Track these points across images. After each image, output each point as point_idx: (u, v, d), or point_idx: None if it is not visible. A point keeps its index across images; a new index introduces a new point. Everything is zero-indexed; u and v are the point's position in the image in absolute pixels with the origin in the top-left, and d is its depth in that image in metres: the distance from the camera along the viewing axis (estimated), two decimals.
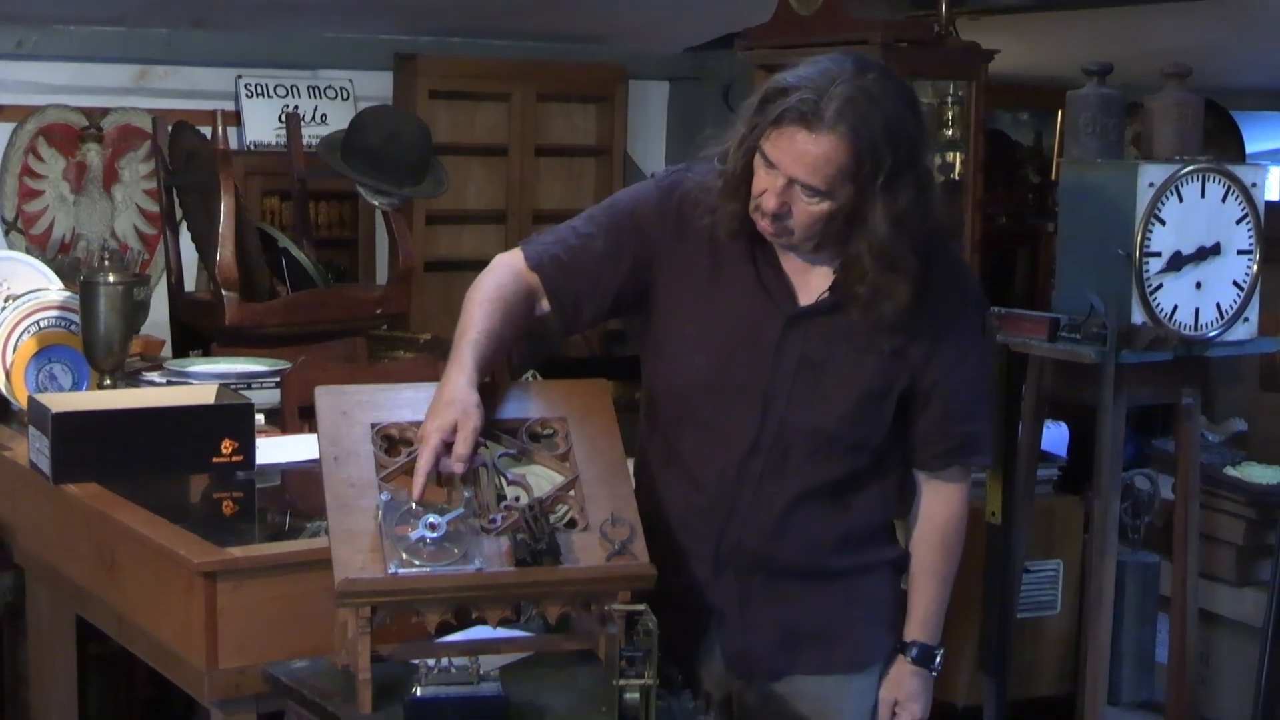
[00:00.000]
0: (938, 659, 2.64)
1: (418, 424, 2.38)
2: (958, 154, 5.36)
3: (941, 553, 2.64)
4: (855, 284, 2.41)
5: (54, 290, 3.87)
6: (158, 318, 4.71)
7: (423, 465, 2.33)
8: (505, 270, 2.54)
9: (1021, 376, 3.67)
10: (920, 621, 2.63)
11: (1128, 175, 3.46)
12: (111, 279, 3.63)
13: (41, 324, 3.75)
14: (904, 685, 2.62)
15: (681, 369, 2.53)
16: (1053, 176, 7.15)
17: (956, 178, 5.34)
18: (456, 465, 2.34)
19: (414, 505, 2.29)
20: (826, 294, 2.48)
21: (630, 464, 2.51)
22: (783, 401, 2.48)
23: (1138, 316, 3.44)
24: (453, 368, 2.41)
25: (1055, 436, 4.19)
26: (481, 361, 2.42)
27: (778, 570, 2.53)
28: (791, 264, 2.50)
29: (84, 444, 3.14)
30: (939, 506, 2.62)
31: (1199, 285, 3.52)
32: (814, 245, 2.43)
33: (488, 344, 2.44)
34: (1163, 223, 3.45)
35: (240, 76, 6.17)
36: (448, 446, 2.34)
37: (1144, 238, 3.42)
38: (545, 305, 2.55)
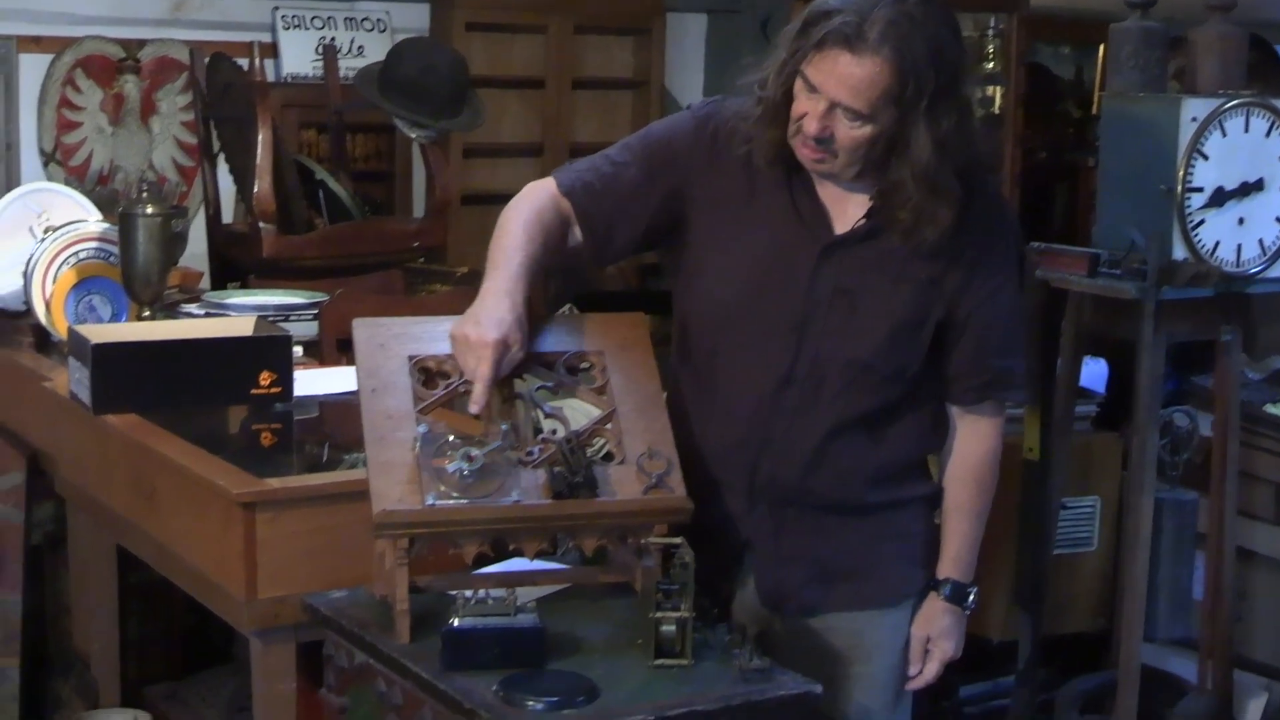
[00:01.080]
0: (971, 597, 2.64)
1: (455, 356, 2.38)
2: (998, 88, 5.33)
3: (975, 489, 2.63)
4: (897, 209, 2.40)
5: (93, 222, 3.88)
6: (196, 250, 4.71)
7: (488, 372, 2.32)
8: (541, 195, 2.52)
9: (1060, 312, 3.64)
10: (953, 559, 2.64)
11: (1170, 109, 3.42)
12: (150, 210, 3.63)
13: (80, 255, 3.76)
14: (936, 622, 2.63)
15: (715, 299, 2.52)
16: (1094, 111, 7.08)
17: (996, 112, 5.31)
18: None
19: (451, 438, 2.29)
20: (863, 222, 2.47)
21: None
22: (817, 331, 2.47)
23: (1179, 252, 3.40)
24: (504, 283, 2.39)
25: (1094, 373, 4.15)
26: (529, 282, 2.41)
27: (812, 504, 2.53)
28: (828, 192, 2.49)
29: (123, 375, 3.15)
30: (973, 443, 2.61)
31: (1241, 221, 3.48)
32: (855, 172, 2.42)
33: (533, 266, 2.43)
34: (1205, 158, 3.41)
35: (277, 8, 6.15)
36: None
37: (1186, 173, 3.39)
38: (577, 234, 2.54)
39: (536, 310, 2.47)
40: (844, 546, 2.56)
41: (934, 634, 2.63)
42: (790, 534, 2.54)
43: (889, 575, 2.61)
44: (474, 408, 2.31)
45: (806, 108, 2.36)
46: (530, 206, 2.50)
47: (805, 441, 2.49)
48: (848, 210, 2.48)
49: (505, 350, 2.34)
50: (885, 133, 2.36)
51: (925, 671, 2.64)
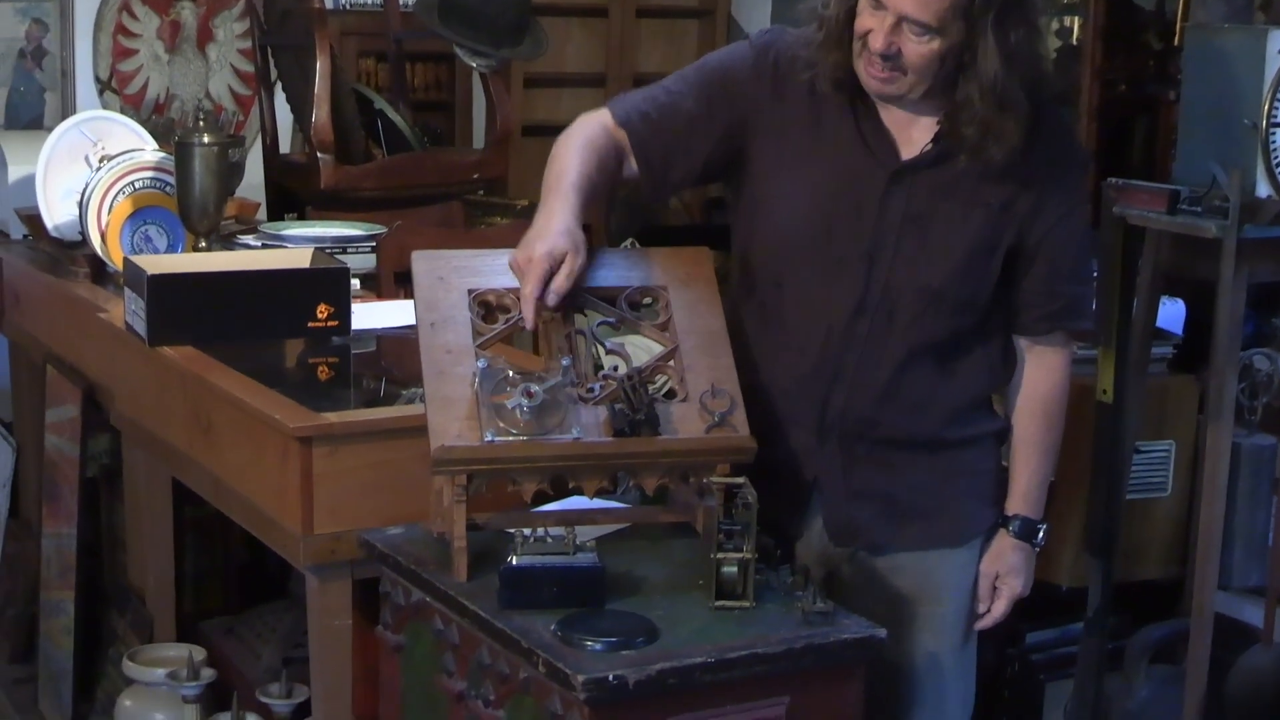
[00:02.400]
0: (1040, 533, 2.62)
1: (515, 290, 2.34)
2: (1076, 19, 5.22)
3: (1044, 424, 2.60)
4: (964, 126, 2.35)
5: (149, 151, 3.85)
6: (252, 180, 4.69)
7: (531, 291, 2.30)
8: (595, 125, 2.49)
9: (1137, 251, 3.58)
10: (1022, 495, 2.61)
11: (1256, 41, 3.34)
12: (206, 140, 3.59)
13: (136, 185, 3.73)
14: (1005, 558, 2.61)
15: (781, 230, 2.48)
16: (1176, 43, 6.96)
17: (1075, 43, 5.20)
18: (551, 298, 2.31)
19: (511, 374, 2.26)
20: (930, 146, 2.42)
21: None
22: (888, 259, 2.43)
23: (1263, 189, 3.33)
24: (557, 203, 2.36)
25: (1171, 313, 4.08)
26: (584, 204, 2.38)
27: (883, 438, 2.49)
28: (893, 117, 2.44)
29: (180, 307, 3.13)
30: (1042, 375, 2.59)
31: None
32: (922, 91, 2.37)
33: (588, 189, 2.40)
34: None
35: None
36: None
37: (1272, 107, 3.30)
38: (633, 165, 2.50)
39: (597, 245, 2.44)
40: (914, 484, 2.54)
41: (1003, 571, 2.61)
42: (860, 470, 2.51)
43: (959, 513, 2.58)
44: (526, 324, 2.30)
45: (871, 24, 2.32)
46: (583, 136, 2.47)
47: (878, 372, 2.46)
48: (914, 135, 2.45)
49: (552, 263, 2.31)
50: (953, 48, 2.32)
51: (994, 610, 2.63)
